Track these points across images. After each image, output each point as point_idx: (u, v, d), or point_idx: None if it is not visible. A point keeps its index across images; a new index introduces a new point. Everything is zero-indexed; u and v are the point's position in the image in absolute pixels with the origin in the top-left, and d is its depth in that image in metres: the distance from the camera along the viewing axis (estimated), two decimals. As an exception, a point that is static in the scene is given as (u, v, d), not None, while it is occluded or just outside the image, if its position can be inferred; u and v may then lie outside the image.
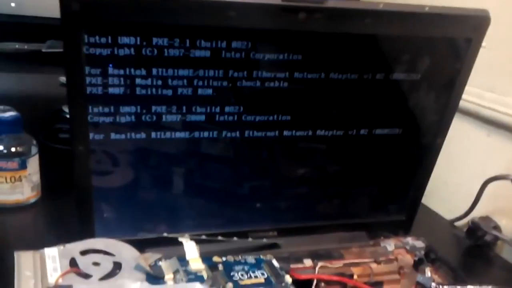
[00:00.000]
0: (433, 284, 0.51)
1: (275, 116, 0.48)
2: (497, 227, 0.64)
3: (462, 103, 0.65)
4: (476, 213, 0.65)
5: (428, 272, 0.53)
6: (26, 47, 1.11)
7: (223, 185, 0.50)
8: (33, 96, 0.95)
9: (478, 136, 0.69)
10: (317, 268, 0.50)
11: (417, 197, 0.60)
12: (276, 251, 0.51)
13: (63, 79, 0.40)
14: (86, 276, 0.39)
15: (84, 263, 0.40)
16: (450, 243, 0.66)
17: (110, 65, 0.40)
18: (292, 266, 0.50)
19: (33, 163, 0.57)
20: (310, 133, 0.50)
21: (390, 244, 0.57)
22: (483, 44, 0.49)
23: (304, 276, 0.49)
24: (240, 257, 0.47)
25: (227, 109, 0.45)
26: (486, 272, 0.61)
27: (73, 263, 0.40)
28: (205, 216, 0.52)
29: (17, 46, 1.10)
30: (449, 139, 0.55)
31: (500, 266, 0.62)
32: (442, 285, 0.51)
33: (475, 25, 0.48)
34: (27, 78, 1.04)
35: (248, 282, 0.44)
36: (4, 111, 0.56)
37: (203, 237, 0.47)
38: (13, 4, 1.13)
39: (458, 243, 0.66)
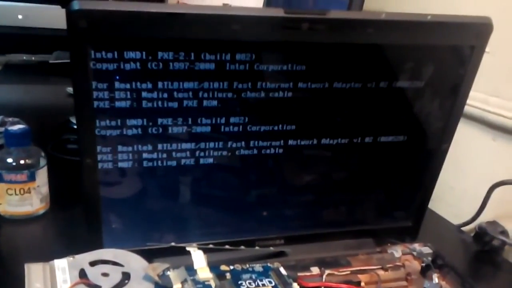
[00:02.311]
0: (438, 289, 0.52)
1: (280, 126, 0.48)
2: (504, 232, 0.64)
3: (467, 108, 0.65)
4: (483, 218, 0.65)
5: (436, 278, 0.53)
6: (33, 58, 1.13)
7: (229, 194, 0.51)
8: (41, 107, 0.96)
9: (484, 141, 0.69)
10: (324, 276, 0.50)
11: (423, 203, 0.60)
12: (284, 259, 0.52)
13: (70, 89, 0.40)
14: (96, 287, 0.40)
15: (94, 274, 0.41)
16: (457, 248, 0.66)
17: (117, 80, 0.41)
18: (300, 274, 0.50)
19: (42, 175, 0.58)
20: (315, 141, 0.50)
21: (397, 251, 0.57)
22: (487, 49, 0.50)
23: (311, 284, 0.49)
24: (247, 266, 0.48)
25: (232, 120, 0.46)
26: (494, 277, 0.61)
27: (82, 274, 0.40)
28: (213, 225, 0.52)
29: (24, 57, 1.12)
30: (455, 144, 0.55)
31: (508, 271, 0.62)
32: (448, 290, 0.51)
33: (478, 32, 0.48)
34: (35, 89, 1.05)
35: (254, 289, 0.45)
36: (13, 123, 0.58)
37: (211, 246, 0.48)
38: (20, 16, 1.15)
39: (465, 248, 0.66)
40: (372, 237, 0.59)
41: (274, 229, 0.54)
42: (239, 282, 0.45)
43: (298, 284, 0.48)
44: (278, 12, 0.42)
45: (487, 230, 0.64)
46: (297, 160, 0.52)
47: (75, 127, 0.43)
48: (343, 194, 0.56)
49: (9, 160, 0.56)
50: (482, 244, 0.64)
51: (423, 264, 0.55)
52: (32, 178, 0.57)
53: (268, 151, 0.49)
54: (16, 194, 0.56)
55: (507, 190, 0.61)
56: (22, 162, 0.56)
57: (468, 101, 0.53)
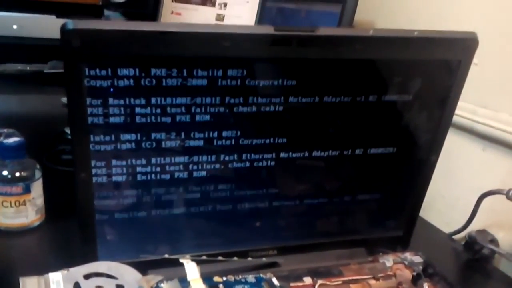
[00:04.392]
0: (431, 300, 0.53)
1: (272, 139, 0.49)
2: (494, 241, 0.65)
3: (456, 119, 0.66)
4: (473, 227, 0.66)
5: (425, 287, 0.54)
6: (28, 68, 1.13)
7: (222, 206, 0.52)
8: (35, 117, 0.96)
9: (474, 151, 0.70)
10: (316, 286, 0.51)
11: (414, 213, 0.61)
12: (276, 270, 0.52)
13: (65, 99, 0.41)
14: (90, 300, 0.40)
15: (88, 287, 0.41)
16: (448, 257, 0.67)
17: (111, 96, 0.42)
18: (292, 284, 0.51)
19: (37, 187, 0.58)
20: (307, 154, 0.51)
21: (388, 260, 0.58)
22: (475, 61, 0.51)
23: (303, 295, 0.50)
24: (240, 277, 0.49)
25: (224, 133, 0.47)
26: (483, 286, 0.62)
27: (76, 287, 0.41)
28: (206, 237, 0.53)
29: (19, 67, 1.13)
30: (445, 154, 0.56)
31: (497, 279, 0.63)
32: (440, 300, 0.52)
33: (464, 47, 0.49)
34: (30, 99, 1.06)
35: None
36: (8, 135, 0.58)
37: (204, 257, 0.49)
38: (15, 27, 1.16)
39: (456, 256, 0.67)
40: (364, 246, 0.60)
41: (266, 240, 0.55)
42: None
43: (290, 295, 0.49)
44: (268, 29, 0.43)
45: (477, 239, 0.65)
46: (289, 172, 0.53)
47: (70, 137, 0.43)
48: (335, 204, 0.57)
49: (4, 172, 0.56)
50: (472, 253, 0.65)
51: (414, 273, 0.56)
52: (27, 190, 0.57)
53: (260, 163, 0.50)
54: (11, 207, 0.57)
55: (497, 199, 0.62)
56: (17, 174, 0.57)
57: (457, 112, 0.54)
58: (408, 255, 0.59)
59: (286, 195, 0.54)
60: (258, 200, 0.53)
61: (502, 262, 0.65)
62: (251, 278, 0.49)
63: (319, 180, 0.55)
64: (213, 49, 0.42)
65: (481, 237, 0.64)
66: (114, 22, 0.39)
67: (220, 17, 1.05)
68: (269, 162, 0.50)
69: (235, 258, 0.51)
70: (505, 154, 0.65)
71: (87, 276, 0.43)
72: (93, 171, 0.44)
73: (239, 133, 0.47)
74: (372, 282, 0.53)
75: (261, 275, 0.49)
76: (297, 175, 0.53)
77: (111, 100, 0.42)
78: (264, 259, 0.54)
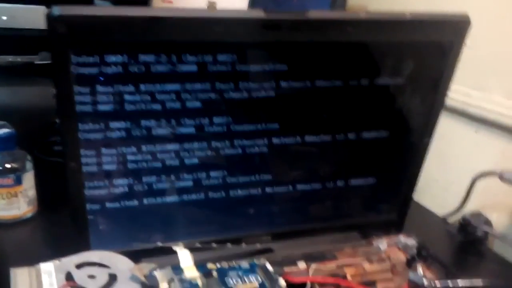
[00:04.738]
0: (425, 281, 0.53)
1: (264, 124, 0.49)
2: (488, 222, 0.65)
3: (449, 102, 0.66)
4: (467, 209, 0.66)
5: (420, 270, 0.54)
6: (19, 59, 1.12)
7: (215, 193, 0.51)
8: (26, 108, 0.95)
9: (467, 133, 0.70)
10: (310, 271, 0.51)
11: (407, 196, 0.61)
12: (270, 255, 0.52)
13: (56, 89, 0.41)
14: (83, 289, 0.40)
15: (80, 276, 0.41)
16: (442, 239, 0.68)
17: (99, 83, 0.41)
18: (286, 269, 0.51)
19: (28, 178, 0.58)
20: (299, 139, 0.51)
21: (382, 243, 0.58)
22: (469, 44, 0.51)
23: (298, 279, 0.50)
24: (234, 263, 0.48)
25: (215, 120, 0.46)
26: (478, 267, 0.63)
27: (69, 277, 0.41)
28: (199, 224, 0.53)
29: (10, 59, 1.11)
30: (438, 137, 0.56)
31: (492, 260, 0.63)
32: (434, 281, 0.52)
33: (456, 28, 0.49)
34: (21, 91, 1.05)
35: (243, 287, 0.45)
36: (-2, 127, 0.57)
37: (197, 245, 0.48)
38: (4, 18, 1.14)
39: (450, 239, 0.67)
40: (358, 230, 0.60)
41: (260, 226, 0.55)
42: (226, 280, 0.46)
43: (285, 280, 0.48)
44: (258, 13, 0.42)
45: (471, 221, 0.65)
46: (282, 157, 0.52)
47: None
48: (328, 189, 0.57)
49: (-5, 164, 0.56)
50: (466, 235, 0.65)
51: (408, 256, 0.56)
52: (18, 182, 0.57)
53: (252, 149, 0.50)
54: (3, 199, 0.57)
55: (490, 181, 0.62)
56: (8, 166, 0.56)
57: (450, 95, 0.54)
58: (402, 238, 0.59)
59: (279, 181, 0.54)
60: (251, 187, 0.53)
61: (496, 243, 0.65)
62: (244, 264, 0.49)
63: (312, 165, 0.55)
64: (203, 34, 0.42)
65: (475, 219, 0.65)
66: (101, 8, 0.38)
67: (212, 5, 1.04)
68: (261, 148, 0.50)
69: (228, 244, 0.51)
70: (498, 136, 0.65)
71: (79, 266, 0.42)
72: (83, 160, 0.44)
73: (230, 119, 0.47)
74: (366, 265, 0.53)
75: (255, 261, 0.49)
76: (290, 161, 0.53)
77: (99, 88, 0.41)
78: (258, 245, 0.54)
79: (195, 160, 0.48)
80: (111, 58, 0.40)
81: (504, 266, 0.62)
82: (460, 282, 0.52)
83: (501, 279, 0.59)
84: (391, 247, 0.58)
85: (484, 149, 0.68)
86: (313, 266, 0.52)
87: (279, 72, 0.46)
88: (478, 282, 0.52)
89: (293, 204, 0.56)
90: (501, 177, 0.60)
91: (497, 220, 0.65)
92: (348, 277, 0.52)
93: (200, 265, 0.46)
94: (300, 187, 0.55)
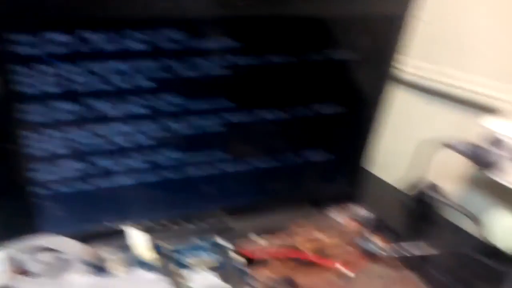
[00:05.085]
0: (379, 250, 0.54)
1: (217, 102, 0.48)
2: (442, 192, 0.66)
3: (402, 74, 0.67)
4: (422, 180, 0.68)
5: (374, 239, 0.55)
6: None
7: (168, 172, 0.51)
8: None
9: (419, 105, 0.71)
10: (266, 245, 0.51)
11: (360, 167, 0.62)
12: (225, 231, 0.52)
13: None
14: (32, 275, 0.39)
15: (28, 261, 0.40)
16: (397, 209, 0.69)
17: (38, 62, 0.39)
18: (241, 244, 0.51)
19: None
20: (253, 114, 0.51)
21: (337, 215, 0.59)
22: (423, 18, 0.51)
23: (253, 254, 0.50)
24: (189, 241, 0.48)
25: (168, 99, 0.45)
26: (434, 237, 0.64)
27: (17, 263, 0.40)
28: (152, 204, 0.52)
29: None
30: (391, 109, 0.57)
31: (447, 230, 0.65)
32: (388, 249, 0.54)
33: (406, 1, 0.49)
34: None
35: (198, 264, 0.45)
36: None
37: (151, 224, 0.48)
38: None
39: (405, 209, 0.68)
40: (313, 203, 0.60)
41: (214, 203, 0.55)
42: (180, 258, 0.46)
43: (240, 254, 0.49)
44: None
45: (426, 191, 0.66)
46: (236, 134, 0.52)
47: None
48: (282, 164, 0.57)
49: None
50: (420, 205, 0.67)
51: (363, 226, 0.57)
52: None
53: (205, 127, 0.49)
54: None
55: (444, 152, 0.64)
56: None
57: (402, 67, 0.54)
58: (356, 209, 0.60)
59: (233, 157, 0.54)
60: (204, 163, 0.52)
61: (451, 213, 0.67)
62: (199, 241, 0.49)
63: (265, 140, 0.55)
64: (152, 10, 0.40)
65: (429, 189, 0.66)
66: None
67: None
68: (214, 125, 0.50)
69: (182, 223, 0.51)
70: (449, 107, 0.67)
71: (28, 251, 0.41)
72: (24, 142, 0.42)
73: (182, 97, 0.46)
74: (321, 236, 0.54)
75: (210, 238, 0.49)
76: (244, 137, 0.53)
77: (38, 67, 0.40)
78: (212, 221, 0.53)
79: (146, 140, 0.47)
80: (52, 36, 0.39)
81: (458, 233, 0.64)
82: (413, 249, 0.53)
83: (455, 245, 0.60)
84: (346, 218, 0.59)
85: (436, 121, 0.69)
86: (269, 240, 0.52)
87: (230, 48, 0.45)
88: (430, 249, 0.53)
89: (247, 179, 0.56)
90: (452, 146, 0.61)
91: (452, 190, 0.67)
92: (303, 248, 0.52)
93: (154, 245, 0.46)
94: (253, 162, 0.55)
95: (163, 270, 0.43)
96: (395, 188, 0.73)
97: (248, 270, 0.47)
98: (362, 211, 0.60)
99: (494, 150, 0.55)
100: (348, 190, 0.62)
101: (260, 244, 0.52)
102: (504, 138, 0.54)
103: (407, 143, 0.72)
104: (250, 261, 0.49)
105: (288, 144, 0.56)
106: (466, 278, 0.52)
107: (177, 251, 0.47)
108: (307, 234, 0.54)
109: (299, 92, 0.52)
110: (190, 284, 0.42)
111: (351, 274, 0.51)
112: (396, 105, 0.65)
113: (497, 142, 0.55)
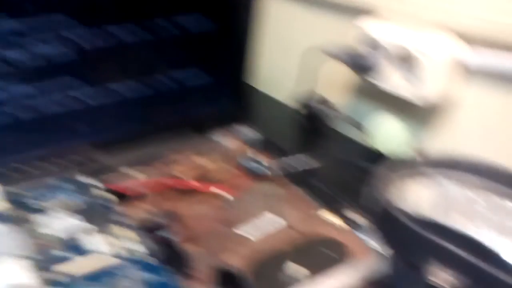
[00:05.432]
0: (263, 168, 0.52)
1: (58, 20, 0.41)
2: (329, 104, 0.65)
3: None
4: (309, 92, 0.66)
5: (260, 159, 0.53)
6: None
7: (15, 108, 0.44)
8: None
9: (296, 14, 0.67)
10: (142, 178, 0.47)
11: (244, 85, 0.58)
12: (92, 168, 0.47)
13: None
14: None
15: None
16: (285, 126, 0.67)
17: None
18: (112, 179, 0.46)
19: None
20: (108, 36, 0.45)
21: (221, 138, 0.55)
22: None
23: (126, 189, 0.46)
24: (46, 184, 0.43)
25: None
26: (325, 150, 0.63)
27: None
28: (6, 148, 0.45)
29: None
30: (268, 21, 0.53)
31: (338, 141, 0.64)
32: (272, 166, 0.52)
33: None
34: None
35: (58, 207, 0.40)
36: None
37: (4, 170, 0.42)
38: None
39: (296, 125, 0.67)
40: (195, 126, 0.56)
41: (80, 139, 0.49)
42: (35, 204, 0.40)
43: (110, 191, 0.44)
44: None
45: (313, 104, 0.64)
46: (91, 60, 0.46)
47: None
48: (154, 89, 0.52)
49: None
50: (309, 118, 0.65)
51: (249, 147, 0.55)
52: None
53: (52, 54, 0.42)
54: None
55: (328, 61, 0.62)
56: None
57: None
58: (242, 130, 0.57)
59: (93, 88, 0.48)
60: (58, 98, 0.46)
61: (339, 124, 0.66)
62: (58, 182, 0.43)
63: (130, 65, 0.49)
64: None
65: (317, 102, 0.64)
66: None
67: None
68: (71, 54, 0.43)
69: (40, 164, 0.45)
70: (326, 13, 0.64)
71: None
72: None
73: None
74: (201, 161, 0.51)
75: (71, 177, 0.44)
76: (103, 64, 0.47)
77: None
78: (74, 158, 0.48)
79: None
80: None
81: (351, 146, 0.63)
82: (298, 163, 0.52)
83: (343, 156, 0.60)
84: (231, 140, 0.56)
85: (316, 29, 0.66)
86: (143, 170, 0.48)
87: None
88: (316, 161, 0.52)
89: (116, 110, 0.51)
90: (327, 52, 0.59)
91: (339, 101, 0.66)
92: (184, 177, 0.49)
93: (8, 192, 0.40)
94: (120, 91, 0.49)
95: (16, 220, 0.38)
96: (282, 104, 0.70)
97: (119, 207, 0.43)
98: (248, 131, 0.57)
99: (371, 53, 0.53)
100: (232, 111, 0.59)
101: (136, 178, 0.47)
102: (380, 40, 0.52)
103: (290, 56, 0.70)
104: (124, 198, 0.45)
105: (157, 68, 0.51)
106: (351, 186, 0.51)
107: (33, 196, 0.41)
108: (188, 161, 0.51)
109: (159, 3, 0.46)
110: (46, 230, 0.37)
111: (233, 196, 0.49)
112: (273, 16, 0.62)
113: (373, 44, 0.53)
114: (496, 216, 0.32)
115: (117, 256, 0.36)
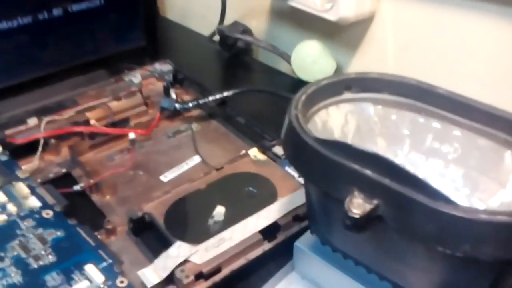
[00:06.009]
0: (177, 105, 0.48)
1: None
2: (246, 31, 0.61)
3: None
4: (231, 22, 0.61)
5: (173, 94, 0.49)
6: None
7: None
8: None
9: None
10: (42, 125, 0.42)
11: (156, 18, 0.53)
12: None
13: None
14: None
15: None
16: (207, 58, 0.63)
17: None
18: (9, 131, 0.41)
19: None
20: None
21: (135, 76, 0.50)
22: None
23: (24, 140, 0.41)
24: None
25: None
26: (244, 80, 0.60)
27: None
28: None
29: None
30: None
31: (257, 70, 0.61)
32: (187, 102, 0.48)
33: None
34: None
35: None
36: None
37: None
38: None
39: (215, 56, 0.63)
40: (105, 67, 0.51)
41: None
42: None
43: (8, 144, 0.40)
44: None
45: (227, 32, 0.60)
46: None
47: None
48: (61, 28, 0.46)
49: None
50: (228, 48, 0.61)
51: (165, 84, 0.50)
52: None
53: None
54: None
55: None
56: None
57: None
58: (157, 66, 0.52)
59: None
60: None
61: (260, 52, 0.63)
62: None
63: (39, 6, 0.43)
64: None
65: (231, 30, 0.60)
66: None
67: None
68: None
69: None
70: None
71: None
72: None
73: None
74: (114, 104, 0.46)
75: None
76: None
77: None
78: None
79: None
80: None
81: (270, 74, 0.60)
82: (214, 97, 0.48)
83: (264, 85, 0.57)
84: (146, 78, 0.51)
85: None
86: (46, 119, 0.43)
87: None
88: (231, 91, 0.48)
89: (18, 51, 0.44)
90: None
91: (257, 28, 0.62)
92: (92, 121, 0.44)
93: None
94: (27, 31, 0.43)
95: None
96: (200, 35, 0.66)
97: (17, 160, 0.39)
98: (163, 67, 0.52)
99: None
100: (144, 46, 0.54)
101: (35, 126, 0.42)
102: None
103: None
104: (20, 148, 0.40)
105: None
106: (274, 118, 0.48)
107: None
108: (96, 104, 0.46)
109: None
110: None
111: (150, 139, 0.45)
112: None
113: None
114: (422, 138, 0.30)
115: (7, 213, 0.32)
